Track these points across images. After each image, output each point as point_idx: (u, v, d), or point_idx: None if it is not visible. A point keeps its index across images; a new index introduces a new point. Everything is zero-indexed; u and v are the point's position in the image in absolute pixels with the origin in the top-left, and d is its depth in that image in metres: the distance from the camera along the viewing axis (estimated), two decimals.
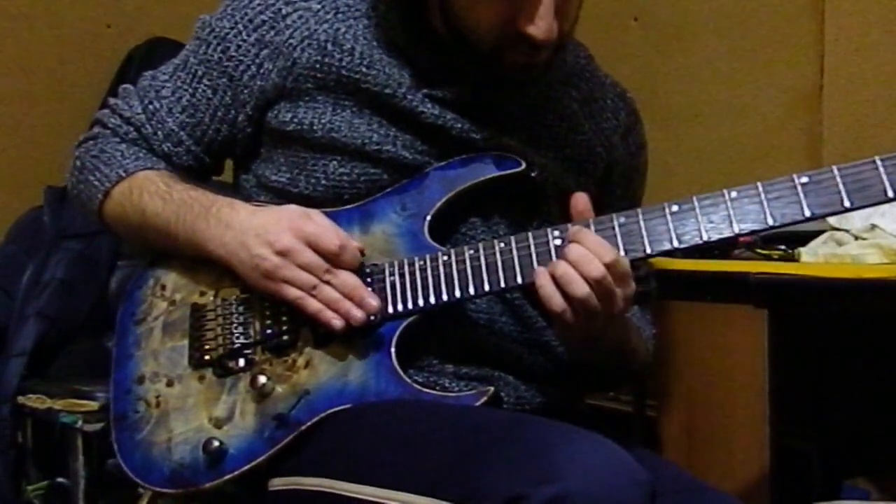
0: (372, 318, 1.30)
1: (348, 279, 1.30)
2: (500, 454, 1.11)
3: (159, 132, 1.45)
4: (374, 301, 1.30)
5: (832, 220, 1.86)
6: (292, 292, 1.30)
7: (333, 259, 1.29)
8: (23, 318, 2.36)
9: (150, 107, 1.45)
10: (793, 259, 1.87)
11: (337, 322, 1.29)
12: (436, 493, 1.13)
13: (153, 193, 1.40)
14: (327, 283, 1.29)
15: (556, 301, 1.22)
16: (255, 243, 1.30)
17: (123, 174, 1.43)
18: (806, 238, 1.88)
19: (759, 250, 1.91)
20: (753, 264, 1.84)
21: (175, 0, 2.72)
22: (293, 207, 1.34)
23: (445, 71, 1.37)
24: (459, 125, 1.37)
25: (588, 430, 1.15)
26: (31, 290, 2.39)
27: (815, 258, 1.84)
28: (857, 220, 1.83)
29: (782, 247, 1.90)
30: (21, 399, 2.28)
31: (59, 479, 2.32)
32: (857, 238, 1.83)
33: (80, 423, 2.16)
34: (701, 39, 2.62)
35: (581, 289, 1.21)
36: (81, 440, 2.18)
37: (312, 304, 1.29)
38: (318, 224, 1.31)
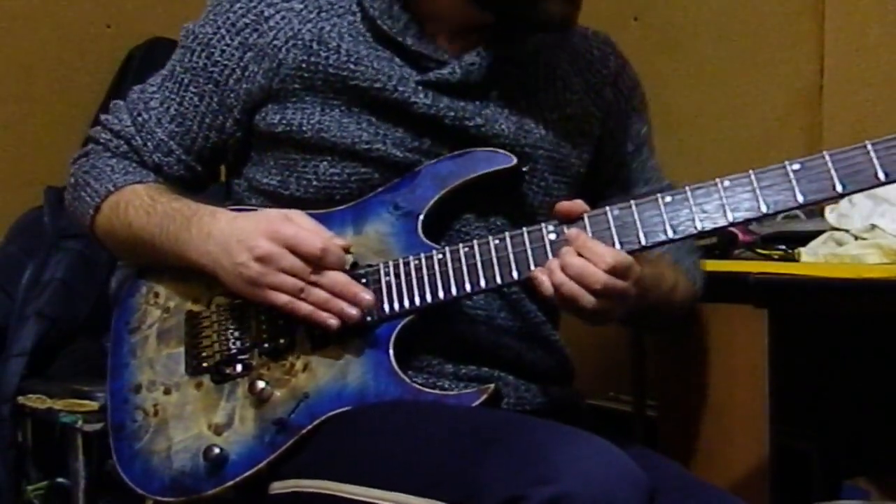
0: (369, 317, 1.30)
1: (337, 277, 1.29)
2: (498, 455, 1.11)
3: (149, 143, 1.44)
4: (367, 296, 1.29)
5: (832, 220, 1.86)
6: (280, 298, 1.29)
7: (317, 261, 1.29)
8: (23, 318, 2.36)
9: (139, 119, 1.45)
10: (793, 259, 1.87)
11: (332, 321, 1.28)
12: (433, 494, 1.13)
13: (138, 207, 1.39)
14: (315, 284, 1.28)
15: (568, 310, 1.25)
16: (236, 250, 1.29)
17: (112, 189, 1.42)
18: (806, 238, 1.88)
19: (759, 250, 1.91)
20: (753, 264, 1.84)
21: (175, 0, 2.72)
22: (273, 211, 1.33)
23: (437, 53, 1.38)
24: (452, 113, 1.36)
25: (586, 432, 1.16)
26: (31, 290, 2.39)
27: (815, 258, 1.84)
28: (857, 220, 1.83)
29: (782, 247, 1.90)
30: (21, 399, 2.28)
31: (59, 479, 2.32)
32: (857, 238, 1.83)
33: (80, 423, 2.16)
34: (701, 39, 2.62)
35: (588, 301, 1.22)
36: (81, 440, 2.18)
37: (303, 307, 1.28)
38: (299, 226, 1.30)
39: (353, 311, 1.28)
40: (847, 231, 1.84)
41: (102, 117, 1.51)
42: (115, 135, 1.47)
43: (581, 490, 1.05)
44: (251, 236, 1.29)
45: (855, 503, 1.90)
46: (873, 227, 1.81)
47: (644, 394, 2.17)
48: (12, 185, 2.60)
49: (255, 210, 1.36)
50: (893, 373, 2.17)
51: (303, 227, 1.30)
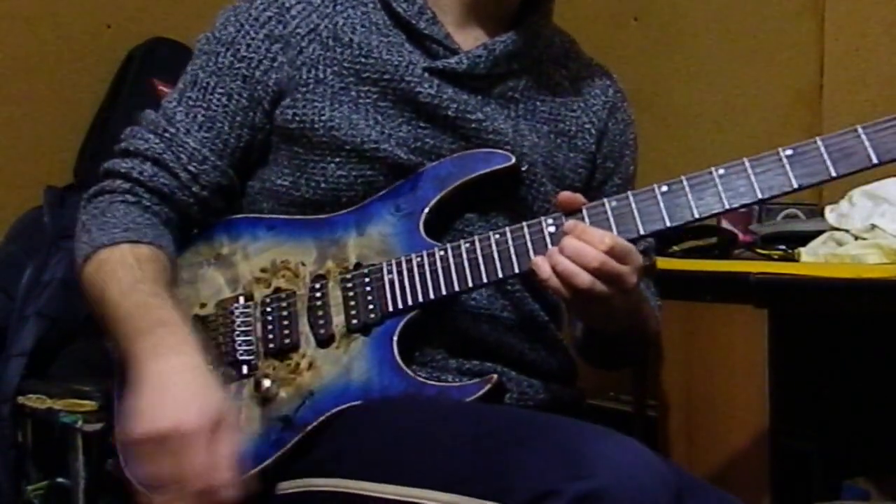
0: (372, 315, 1.31)
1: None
2: (531, 450, 1.12)
3: (182, 156, 1.39)
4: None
5: (832, 220, 1.86)
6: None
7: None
8: (23, 318, 2.36)
9: (166, 134, 1.40)
10: (793, 259, 1.87)
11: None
12: (461, 490, 1.13)
13: (120, 279, 1.29)
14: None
15: (564, 293, 1.24)
16: (157, 410, 1.16)
17: (107, 242, 1.34)
18: (806, 238, 1.88)
19: (759, 250, 1.92)
20: (753, 264, 1.84)
21: (175, 0, 2.73)
22: (212, 406, 1.17)
23: (447, 40, 1.39)
24: (455, 104, 1.37)
25: (614, 430, 1.16)
26: (31, 290, 2.38)
27: (815, 258, 1.84)
28: (857, 220, 1.84)
29: (782, 247, 1.91)
30: (21, 399, 2.28)
31: (59, 479, 2.32)
32: (857, 238, 1.83)
33: (80, 423, 2.16)
34: (701, 39, 2.62)
35: (584, 280, 1.22)
36: (81, 440, 2.18)
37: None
38: (213, 454, 1.14)
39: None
40: (847, 231, 1.84)
41: (120, 147, 1.43)
42: (142, 158, 1.40)
43: (615, 486, 1.06)
44: (175, 415, 1.15)
45: (855, 503, 1.91)
46: (873, 227, 1.81)
47: (644, 394, 2.17)
48: (12, 185, 2.60)
49: (207, 375, 1.22)
50: (893, 373, 2.17)
51: (212, 458, 1.14)
